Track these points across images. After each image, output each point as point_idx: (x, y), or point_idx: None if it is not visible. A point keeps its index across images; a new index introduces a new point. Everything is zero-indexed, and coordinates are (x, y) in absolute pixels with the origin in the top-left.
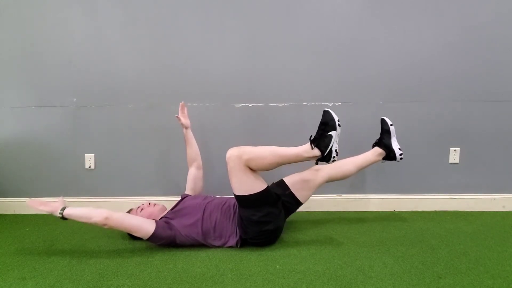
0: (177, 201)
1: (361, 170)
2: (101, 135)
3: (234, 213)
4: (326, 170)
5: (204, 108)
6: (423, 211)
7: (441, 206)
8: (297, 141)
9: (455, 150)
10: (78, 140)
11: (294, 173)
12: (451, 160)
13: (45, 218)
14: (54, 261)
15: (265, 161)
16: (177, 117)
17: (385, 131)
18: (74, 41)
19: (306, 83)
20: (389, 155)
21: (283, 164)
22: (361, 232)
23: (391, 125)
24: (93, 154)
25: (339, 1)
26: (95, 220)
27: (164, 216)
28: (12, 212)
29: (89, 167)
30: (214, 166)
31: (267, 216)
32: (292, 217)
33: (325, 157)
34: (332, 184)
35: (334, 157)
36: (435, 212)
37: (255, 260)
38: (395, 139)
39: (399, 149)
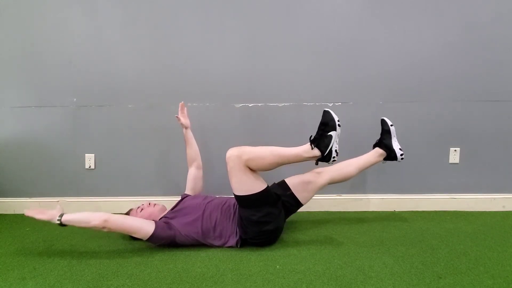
0: (177, 201)
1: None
2: (101, 135)
3: (234, 213)
4: (328, 172)
5: (204, 108)
6: (423, 211)
7: (441, 206)
8: (297, 141)
9: (455, 150)
10: (78, 140)
11: (294, 173)
12: (451, 160)
13: None
14: (54, 261)
15: (265, 161)
16: (177, 117)
17: (385, 132)
18: (74, 41)
19: (306, 83)
20: (390, 155)
21: (283, 164)
22: (361, 232)
23: (391, 125)
24: (93, 154)
25: (339, 1)
26: (94, 223)
27: (164, 216)
28: (12, 212)
29: (89, 167)
30: (214, 166)
31: (267, 216)
32: (292, 217)
33: (325, 157)
34: (332, 184)
35: (334, 157)
36: (435, 212)
37: (255, 260)
38: (396, 139)
39: (400, 149)
